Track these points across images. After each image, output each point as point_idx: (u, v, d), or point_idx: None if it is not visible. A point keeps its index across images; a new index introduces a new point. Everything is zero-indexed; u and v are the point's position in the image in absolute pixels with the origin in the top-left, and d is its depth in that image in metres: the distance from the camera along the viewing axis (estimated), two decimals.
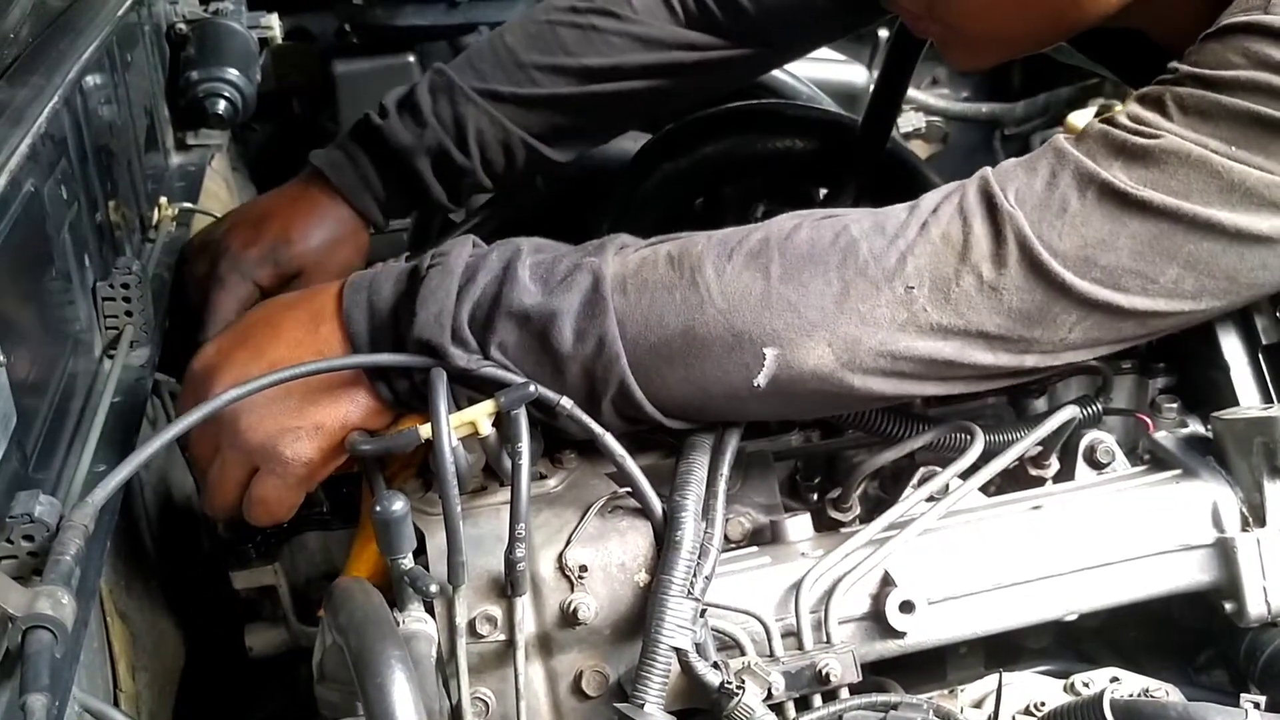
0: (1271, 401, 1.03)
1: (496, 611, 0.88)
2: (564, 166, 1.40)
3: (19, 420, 0.77)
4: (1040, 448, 1.05)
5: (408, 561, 0.84)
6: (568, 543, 0.90)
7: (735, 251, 0.91)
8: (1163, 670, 0.96)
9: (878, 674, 0.94)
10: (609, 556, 0.90)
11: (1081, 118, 2.03)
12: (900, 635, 0.91)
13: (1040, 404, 1.11)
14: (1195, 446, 1.00)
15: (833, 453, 1.09)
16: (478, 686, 0.88)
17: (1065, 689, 0.92)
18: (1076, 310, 0.90)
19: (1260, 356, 1.03)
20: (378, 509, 0.83)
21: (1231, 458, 0.97)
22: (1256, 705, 0.82)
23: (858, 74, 2.26)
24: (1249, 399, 1.03)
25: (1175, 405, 1.09)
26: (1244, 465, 0.96)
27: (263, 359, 0.94)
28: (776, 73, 1.72)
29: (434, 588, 0.84)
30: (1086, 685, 0.91)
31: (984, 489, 1.00)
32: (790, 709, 0.88)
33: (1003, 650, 1.01)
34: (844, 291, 0.89)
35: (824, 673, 0.87)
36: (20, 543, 0.75)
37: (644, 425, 0.95)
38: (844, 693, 0.88)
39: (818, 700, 0.88)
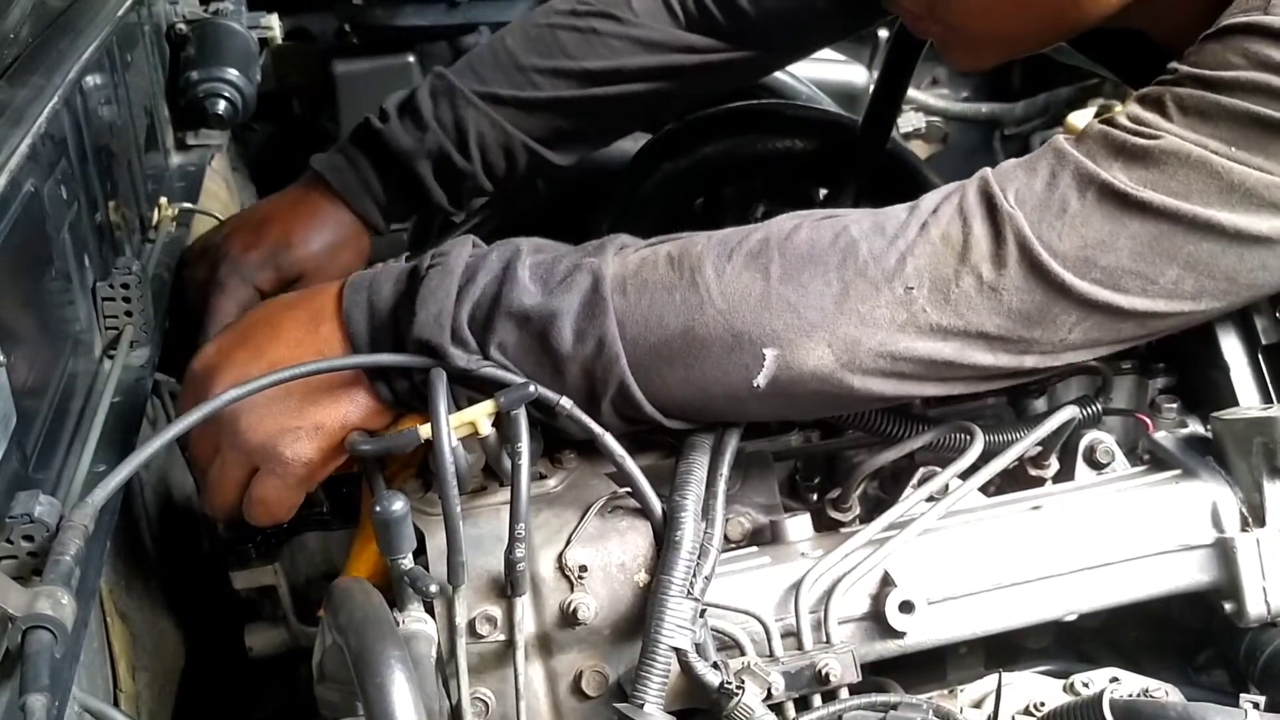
0: (1271, 402, 1.03)
1: (496, 611, 0.88)
2: (564, 167, 1.40)
3: (19, 420, 0.77)
4: (1040, 448, 1.05)
5: (408, 561, 0.84)
6: (567, 543, 0.90)
7: (735, 252, 0.91)
8: (1162, 670, 0.96)
9: (878, 674, 0.94)
10: (609, 556, 0.90)
11: (1081, 118, 2.03)
12: (900, 635, 0.91)
13: (1040, 404, 1.11)
14: (1195, 447, 1.00)
15: (832, 453, 1.09)
16: (477, 686, 0.88)
17: (1065, 689, 0.92)
18: (1076, 311, 0.90)
19: (1260, 357, 1.03)
20: (378, 509, 0.83)
21: (1231, 458, 0.97)
22: (1256, 705, 0.82)
23: (858, 74, 2.26)
24: (1249, 399, 1.03)
25: (1175, 405, 1.09)
26: (1244, 465, 0.96)
27: (263, 359, 0.94)
28: (776, 73, 1.72)
29: (434, 588, 0.84)
30: (1086, 685, 0.91)
31: (984, 489, 1.00)
32: (790, 709, 0.88)
33: (1002, 650, 1.01)
34: (844, 292, 0.89)
35: (824, 673, 0.88)
36: (20, 543, 0.75)
37: (644, 425, 0.95)
38: (844, 693, 0.89)
39: (817, 700, 0.88)
